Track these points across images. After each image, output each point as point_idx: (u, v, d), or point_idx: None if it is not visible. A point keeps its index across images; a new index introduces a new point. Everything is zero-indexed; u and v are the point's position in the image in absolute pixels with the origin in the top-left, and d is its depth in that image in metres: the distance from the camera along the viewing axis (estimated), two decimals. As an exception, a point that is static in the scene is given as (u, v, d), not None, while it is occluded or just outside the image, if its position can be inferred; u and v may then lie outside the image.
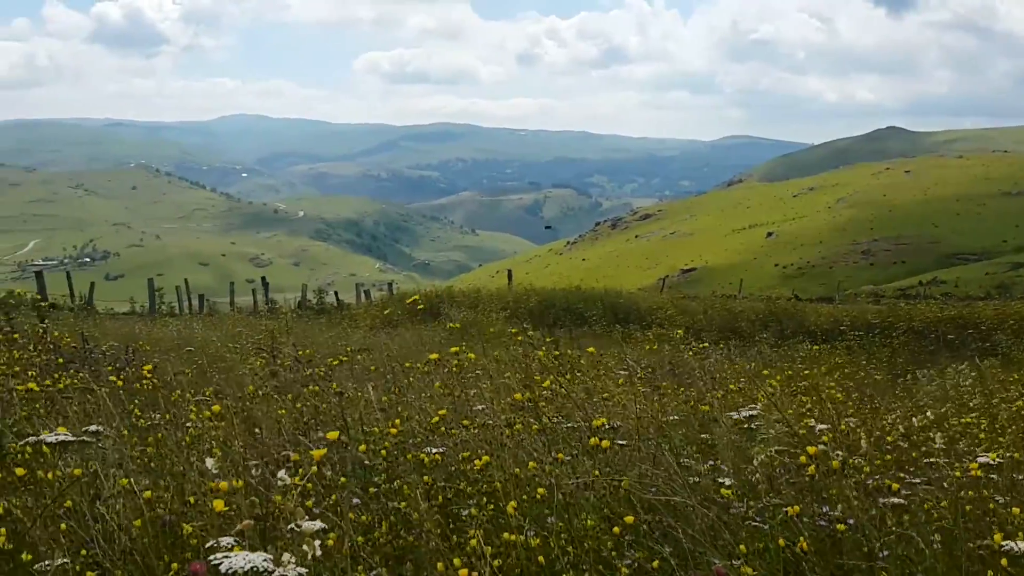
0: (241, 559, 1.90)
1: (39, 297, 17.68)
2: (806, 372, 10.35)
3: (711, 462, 4.34)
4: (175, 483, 3.34)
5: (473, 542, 2.71)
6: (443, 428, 4.12)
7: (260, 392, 5.05)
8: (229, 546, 2.35)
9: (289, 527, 2.17)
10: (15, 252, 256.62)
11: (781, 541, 3.20)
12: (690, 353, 9.50)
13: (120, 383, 4.76)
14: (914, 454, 5.38)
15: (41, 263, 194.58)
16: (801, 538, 3.26)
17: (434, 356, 4.50)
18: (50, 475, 2.91)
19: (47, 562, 2.75)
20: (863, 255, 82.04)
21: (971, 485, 3.92)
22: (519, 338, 5.26)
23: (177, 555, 2.96)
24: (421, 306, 20.06)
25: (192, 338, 14.38)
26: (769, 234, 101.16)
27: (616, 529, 3.03)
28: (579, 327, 22.33)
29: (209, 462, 2.33)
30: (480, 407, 4.63)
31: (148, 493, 3.12)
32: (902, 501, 3.93)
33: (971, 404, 8.96)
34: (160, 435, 3.96)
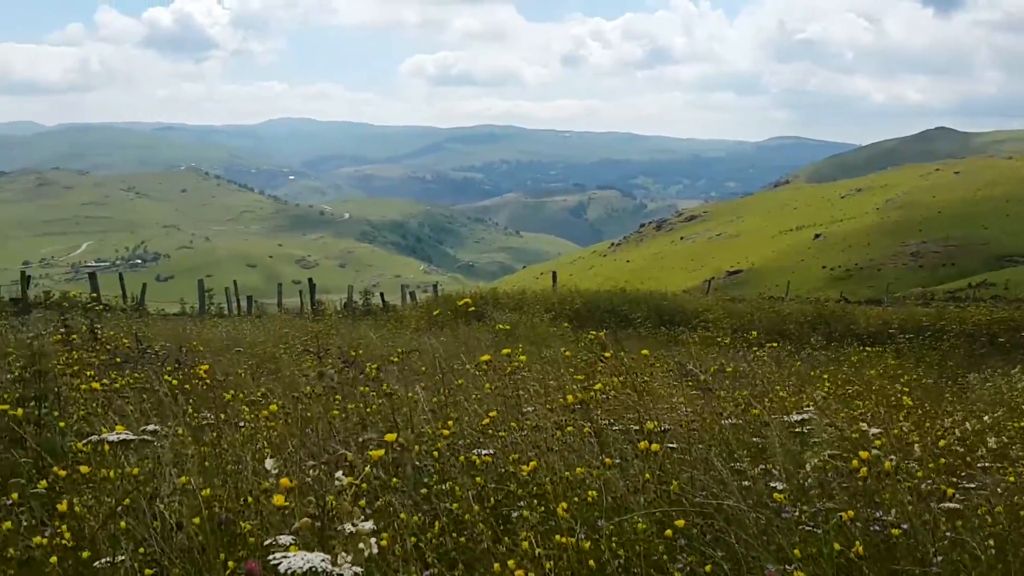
0: (299, 559, 1.92)
1: (94, 298, 18.02)
2: (856, 376, 10.22)
3: (762, 466, 4.30)
4: (232, 482, 3.39)
5: (525, 544, 2.71)
6: (492, 430, 4.13)
7: (312, 392, 5.09)
8: (286, 545, 2.38)
9: (344, 527, 2.19)
10: (69, 254, 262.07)
11: (836, 546, 3.16)
12: (753, 354, 9.42)
13: (175, 383, 4.84)
14: (968, 458, 5.29)
15: (94, 264, 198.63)
16: (856, 543, 3.22)
17: (485, 357, 4.51)
18: (111, 473, 2.96)
19: (107, 559, 2.81)
20: (912, 257, 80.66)
21: (1026, 491, 3.85)
22: (575, 341, 5.24)
23: (233, 553, 3.00)
24: (472, 308, 20.12)
25: (241, 339, 14.57)
26: (817, 236, 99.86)
27: (668, 533, 3.01)
28: (624, 329, 22.23)
29: (268, 462, 2.36)
30: (529, 409, 4.63)
31: (206, 491, 3.16)
32: (956, 506, 3.87)
33: (1025, 408, 8.78)
34: (215, 435, 4.01)
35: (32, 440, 3.95)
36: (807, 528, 3.49)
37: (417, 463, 3.89)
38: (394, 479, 3.35)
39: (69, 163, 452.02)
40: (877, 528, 3.59)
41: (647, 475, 3.36)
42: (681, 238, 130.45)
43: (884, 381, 10.20)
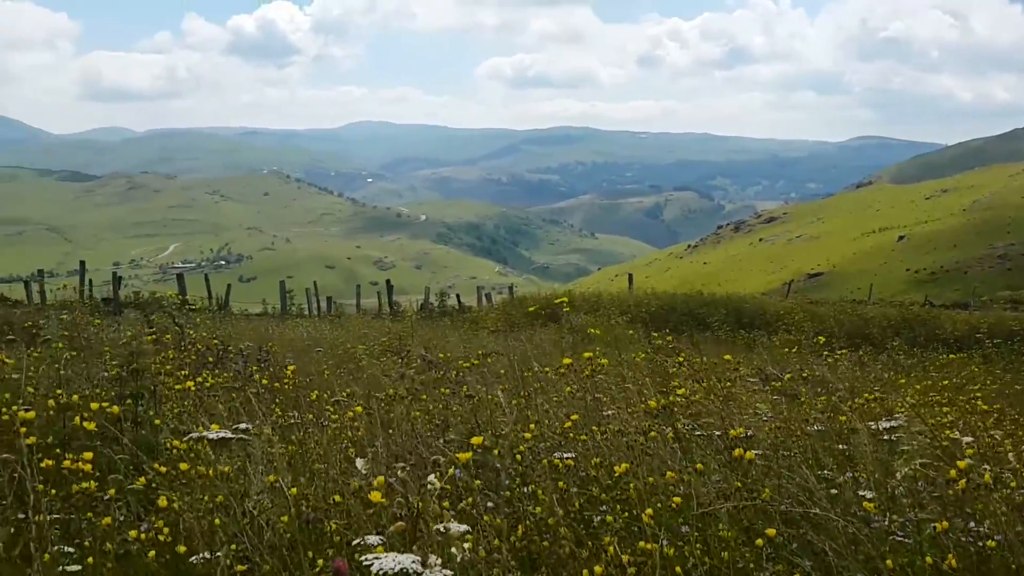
0: (391, 560, 1.95)
1: (181, 298, 18.54)
2: (945, 382, 9.92)
3: (849, 474, 4.21)
4: (320, 482, 3.45)
5: (611, 549, 2.70)
6: (573, 433, 4.12)
7: (395, 393, 5.16)
8: (373, 545, 2.41)
9: (433, 529, 2.22)
10: (157, 255, 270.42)
11: (929, 559, 3.08)
12: (829, 360, 9.23)
13: (264, 382, 4.95)
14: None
15: (181, 266, 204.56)
16: (949, 555, 3.13)
17: (567, 361, 4.51)
18: (209, 471, 3.05)
19: (201, 555, 2.89)
20: (999, 260, 77.88)
21: None
22: (652, 344, 5.21)
23: (320, 551, 3.06)
24: (547, 310, 20.13)
25: (321, 339, 14.83)
26: (900, 237, 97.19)
27: (759, 542, 2.96)
28: (701, 332, 21.97)
29: (359, 462, 2.40)
30: (609, 412, 4.62)
31: (294, 490, 3.23)
32: (1052, 518, 3.73)
33: None
34: (302, 434, 4.09)
35: (129, 437, 4.09)
36: (898, 538, 3.41)
37: (498, 465, 3.90)
38: (477, 481, 3.36)
39: (158, 167, 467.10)
40: (970, 540, 3.48)
41: (737, 483, 3.31)
42: (760, 240, 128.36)
43: (973, 387, 9.89)
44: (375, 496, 2.66)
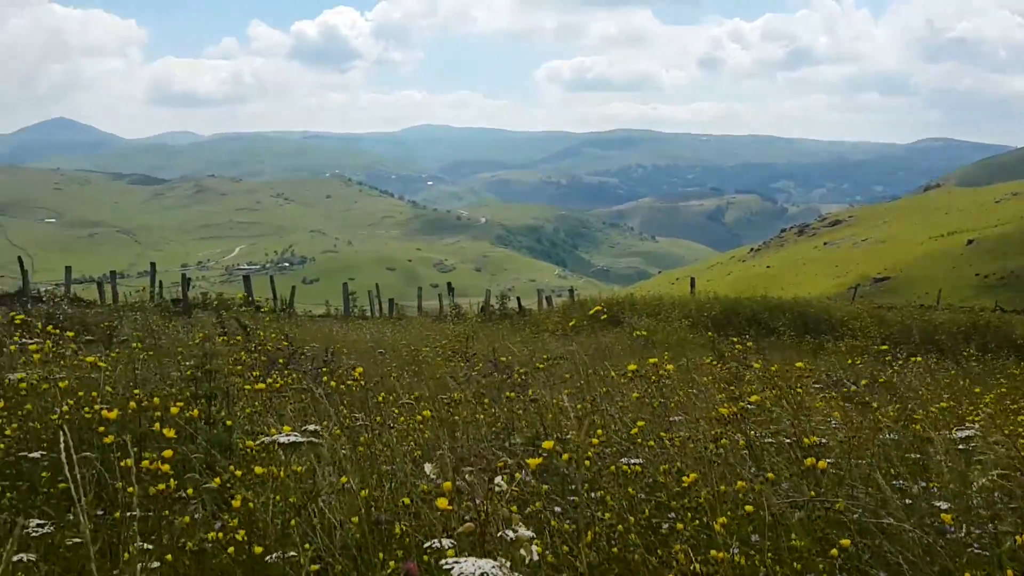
0: (471, 564, 1.96)
1: (247, 300, 18.88)
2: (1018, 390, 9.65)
3: (923, 484, 4.12)
4: (389, 484, 3.49)
5: (681, 556, 2.68)
6: (640, 439, 4.10)
7: (461, 397, 5.19)
8: (443, 548, 2.43)
9: (506, 533, 2.22)
10: (223, 257, 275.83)
11: (1010, 572, 2.99)
12: (898, 367, 9.05)
13: (333, 384, 5.02)
14: None
15: (246, 267, 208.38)
16: (1029, 570, 3.05)
17: (632, 367, 4.48)
18: (282, 472, 3.10)
19: (277, 554, 2.94)
20: (1073, 264, 75.39)
21: None
22: (714, 348, 5.15)
23: (390, 553, 3.09)
24: (608, 313, 20.08)
25: (384, 341, 14.98)
26: (969, 241, 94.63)
27: (834, 552, 2.91)
28: (766, 337, 21.66)
29: (427, 467, 2.42)
30: (676, 418, 4.58)
31: (364, 493, 3.26)
32: None
33: None
34: (370, 436, 4.13)
35: (203, 436, 4.18)
36: (975, 551, 3.33)
37: (564, 470, 3.90)
38: (544, 486, 3.36)
39: (224, 171, 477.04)
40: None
41: (812, 492, 3.26)
42: (824, 243, 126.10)
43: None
44: (441, 503, 2.68)
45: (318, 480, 3.53)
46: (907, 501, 3.86)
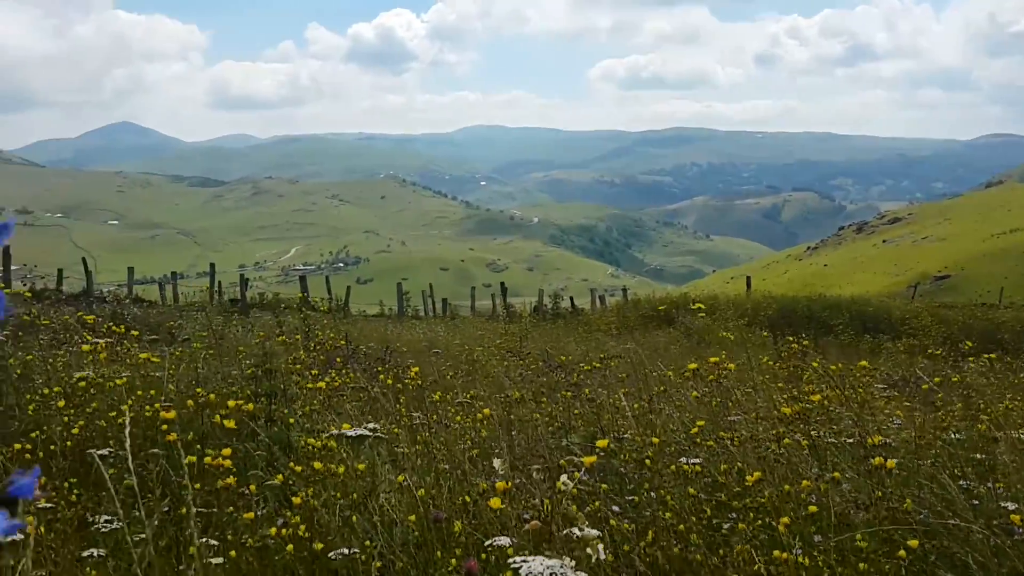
0: (539, 564, 1.96)
1: (304, 299, 19.10)
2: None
3: (989, 484, 4.02)
4: (447, 482, 3.50)
5: (744, 556, 2.65)
6: (700, 439, 4.06)
7: (518, 396, 5.19)
8: (505, 546, 2.43)
9: (571, 532, 2.22)
10: (280, 257, 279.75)
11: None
12: (967, 365, 8.84)
13: (390, 383, 5.06)
14: None
15: (302, 268, 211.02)
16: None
17: (692, 366, 4.44)
18: (342, 469, 3.13)
19: (340, 551, 2.96)
20: None
21: None
22: (772, 348, 5.08)
23: (449, 551, 3.10)
24: (662, 312, 19.94)
25: (438, 340, 15.06)
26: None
27: (902, 553, 2.86)
28: (823, 336, 21.32)
29: (496, 463, 2.42)
30: (735, 418, 4.53)
31: (422, 491, 3.28)
32: None
33: None
34: (428, 434, 4.16)
35: (264, 434, 4.24)
36: (1046, 554, 3.24)
37: (622, 469, 3.88)
38: (603, 485, 3.35)
39: (281, 172, 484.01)
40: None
41: (878, 492, 3.20)
42: (883, 241, 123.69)
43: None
44: (495, 503, 2.68)
45: (377, 478, 3.56)
46: (974, 502, 3.77)
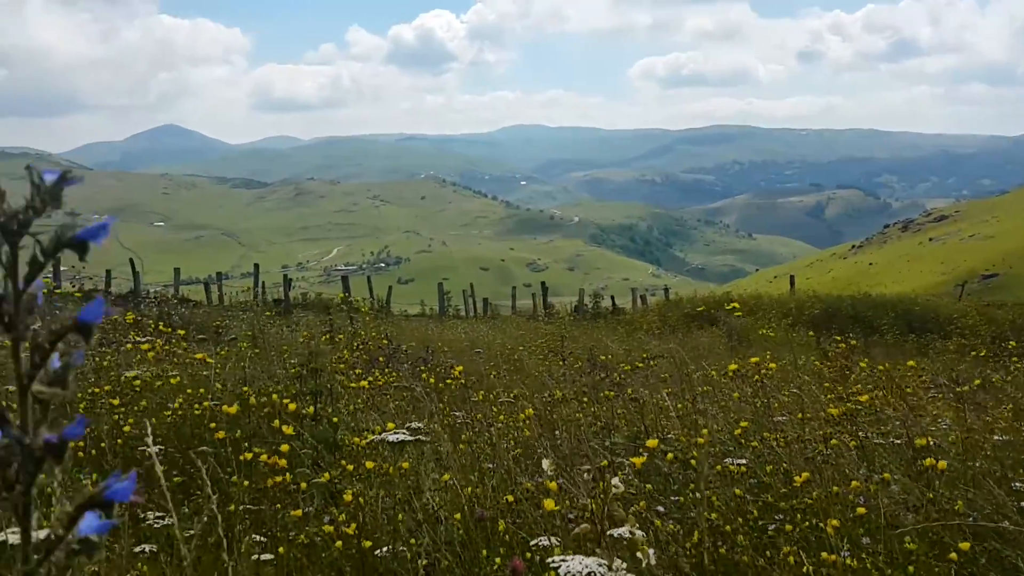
0: (577, 563, 1.96)
1: (346, 299, 19.24)
2: None
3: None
4: (490, 481, 3.51)
5: (791, 559, 2.63)
6: (744, 439, 4.03)
7: (561, 395, 5.20)
8: (550, 546, 2.44)
9: (611, 532, 2.21)
10: (322, 258, 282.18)
11: None
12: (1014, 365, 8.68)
13: (432, 381, 5.09)
14: None
15: (343, 268, 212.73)
16: None
17: (733, 366, 4.42)
18: (390, 468, 3.16)
19: (386, 548, 2.99)
20: None
21: None
22: (816, 348, 5.03)
23: (494, 550, 3.11)
24: (704, 311, 19.80)
25: (479, 340, 15.09)
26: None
27: (953, 556, 2.82)
28: (868, 336, 21.03)
29: (545, 463, 2.43)
30: (780, 418, 4.49)
31: (468, 490, 3.30)
32: None
33: None
34: (471, 433, 4.18)
35: (309, 432, 4.29)
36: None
37: (666, 470, 3.86)
38: (648, 485, 3.34)
39: (322, 174, 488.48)
40: None
41: (930, 494, 3.16)
42: (930, 239, 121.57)
43: None
44: (548, 504, 2.69)
45: (421, 476, 3.58)
46: (1023, 505, 3.71)
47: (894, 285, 55.84)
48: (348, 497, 3.04)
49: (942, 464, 3.23)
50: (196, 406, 4.94)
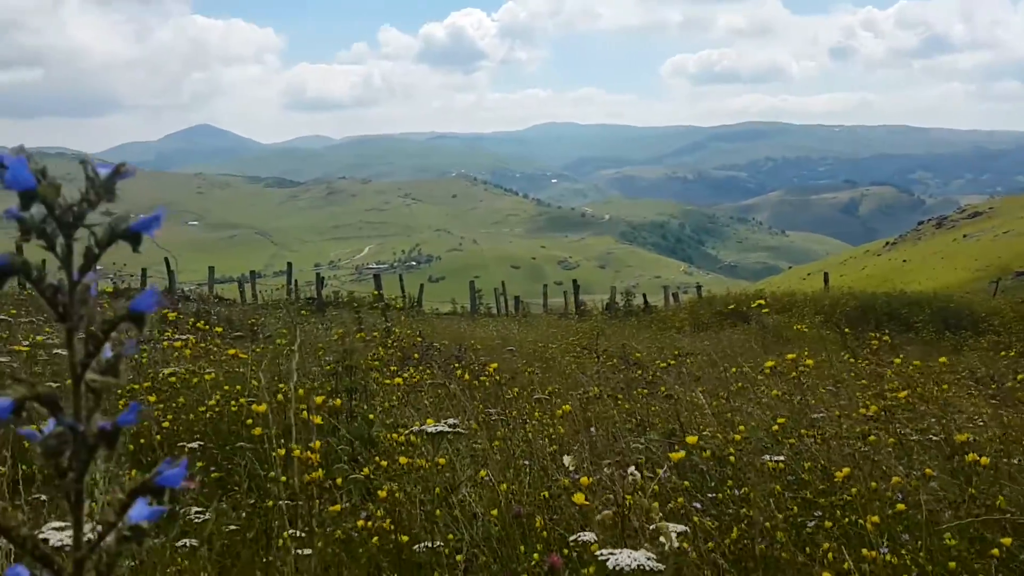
0: (627, 556, 1.96)
1: (378, 297, 19.33)
2: None
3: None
4: (526, 477, 3.52)
5: (830, 555, 2.61)
6: (781, 436, 4.01)
7: (595, 392, 5.19)
8: (589, 542, 2.44)
9: (641, 524, 2.21)
10: (353, 256, 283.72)
11: None
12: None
13: (467, 378, 5.10)
14: None
15: (375, 266, 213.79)
16: None
17: (770, 363, 4.38)
18: (427, 464, 3.17)
19: (423, 544, 3.00)
20: None
21: None
22: (850, 345, 4.98)
23: (531, 545, 3.12)
24: (758, 306, 19.69)
25: (511, 338, 15.10)
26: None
27: (995, 552, 2.78)
28: (903, 334, 20.79)
29: (566, 459, 2.43)
30: (817, 415, 4.45)
31: (503, 486, 3.30)
32: None
33: None
34: (506, 430, 4.18)
35: (345, 429, 4.32)
36: None
37: (703, 467, 3.85)
38: (686, 482, 3.33)
39: (354, 173, 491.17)
40: None
41: (971, 490, 3.12)
42: (964, 236, 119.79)
43: None
44: (578, 498, 2.69)
45: (457, 473, 3.59)
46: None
47: (928, 282, 55.26)
48: (384, 493, 3.06)
49: (985, 460, 3.18)
50: (232, 404, 4.99)
